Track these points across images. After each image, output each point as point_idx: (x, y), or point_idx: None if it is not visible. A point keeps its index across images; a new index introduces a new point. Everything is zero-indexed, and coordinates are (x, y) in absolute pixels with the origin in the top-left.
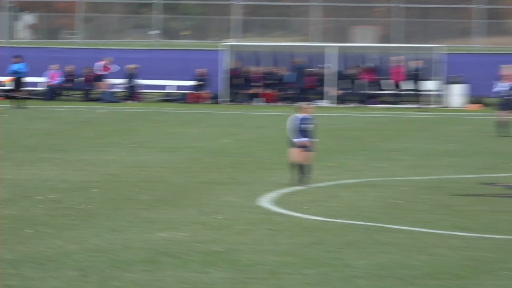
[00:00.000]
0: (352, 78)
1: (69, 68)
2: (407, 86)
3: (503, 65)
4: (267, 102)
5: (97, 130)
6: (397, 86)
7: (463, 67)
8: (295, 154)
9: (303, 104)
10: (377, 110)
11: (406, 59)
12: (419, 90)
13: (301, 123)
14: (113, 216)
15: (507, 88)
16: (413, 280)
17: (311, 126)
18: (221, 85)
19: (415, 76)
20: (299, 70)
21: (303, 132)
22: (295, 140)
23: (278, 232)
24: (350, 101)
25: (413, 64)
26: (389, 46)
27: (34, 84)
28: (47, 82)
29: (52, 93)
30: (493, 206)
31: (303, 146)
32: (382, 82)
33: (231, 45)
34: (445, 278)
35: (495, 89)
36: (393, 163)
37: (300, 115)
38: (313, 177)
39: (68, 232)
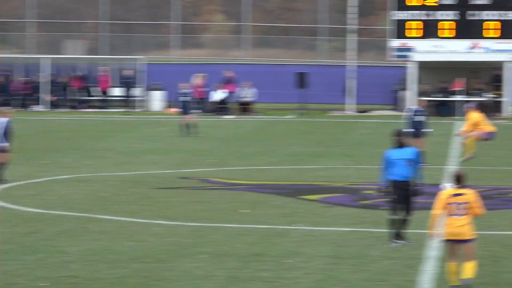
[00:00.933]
0: (64, 86)
1: None
2: (115, 92)
3: (195, 74)
4: None
5: None
6: (104, 92)
7: (162, 76)
8: None
9: (3, 108)
10: (88, 114)
11: (112, 69)
12: (126, 96)
13: (5, 127)
14: None
15: (186, 94)
16: (120, 264)
17: (11, 128)
18: None
19: (126, 84)
20: (7, 78)
21: (3, 135)
22: None
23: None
24: (63, 106)
25: (124, 73)
26: (96, 57)
27: None
28: None
29: None
30: (189, 197)
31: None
32: (91, 89)
33: None
34: (149, 262)
35: (179, 95)
36: (102, 161)
37: (1, 119)
38: (32, 173)
39: None
